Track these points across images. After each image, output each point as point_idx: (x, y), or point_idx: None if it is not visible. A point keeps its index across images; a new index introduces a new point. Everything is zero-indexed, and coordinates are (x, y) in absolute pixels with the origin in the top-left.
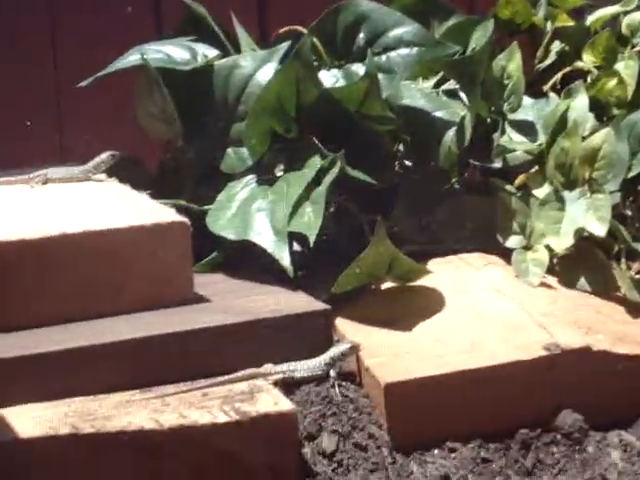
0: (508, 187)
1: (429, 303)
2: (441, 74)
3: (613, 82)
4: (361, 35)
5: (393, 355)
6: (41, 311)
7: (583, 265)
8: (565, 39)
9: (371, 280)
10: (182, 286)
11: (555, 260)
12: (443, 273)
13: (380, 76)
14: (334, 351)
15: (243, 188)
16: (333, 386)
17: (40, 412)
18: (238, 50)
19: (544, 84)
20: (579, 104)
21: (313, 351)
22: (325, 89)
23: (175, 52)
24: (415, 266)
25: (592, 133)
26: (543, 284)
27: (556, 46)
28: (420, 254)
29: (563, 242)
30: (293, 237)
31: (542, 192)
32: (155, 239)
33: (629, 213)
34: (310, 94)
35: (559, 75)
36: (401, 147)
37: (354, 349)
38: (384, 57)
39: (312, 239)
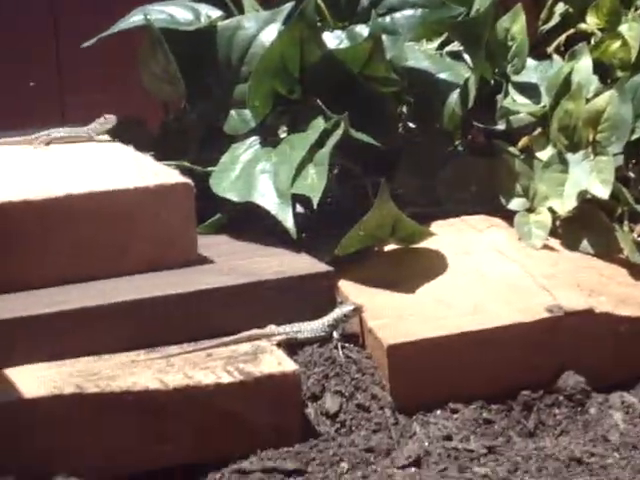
0: (511, 149)
1: (432, 265)
2: (445, 36)
3: (617, 44)
4: None
5: (396, 317)
6: (45, 272)
7: (586, 227)
8: (569, 1)
9: (374, 242)
10: (186, 247)
11: (558, 222)
12: (446, 235)
13: (384, 37)
14: (337, 313)
15: (246, 150)
16: (336, 347)
17: (44, 372)
18: (241, 11)
19: (548, 46)
20: (583, 66)
21: (316, 313)
22: (329, 50)
23: (178, 13)
24: (418, 228)
25: (596, 95)
26: (546, 246)
27: (560, 8)
28: (423, 216)
29: (566, 204)
30: (296, 199)
31: (545, 154)
32: (159, 200)
33: (632, 175)
34: (314, 55)
35: (563, 37)
36: (405, 109)
37: (357, 311)
38: (388, 18)
39: (315, 201)
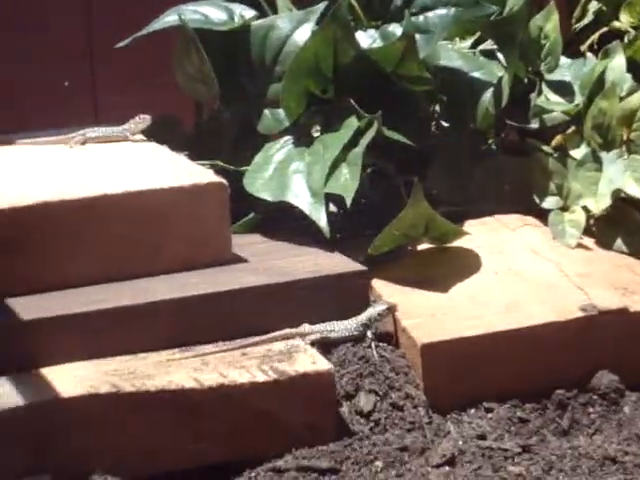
0: (545, 148)
1: (466, 264)
2: (478, 34)
3: None
4: None
5: (429, 316)
6: (81, 271)
7: (620, 226)
8: None
9: (408, 241)
10: (220, 247)
11: (592, 221)
12: (479, 234)
13: (417, 36)
14: (371, 312)
15: (280, 149)
16: (370, 346)
17: (81, 371)
18: (275, 10)
19: (581, 44)
20: (616, 64)
21: (350, 312)
22: (362, 50)
23: (212, 12)
24: (452, 227)
25: (630, 94)
26: (580, 245)
27: (593, 6)
28: (457, 215)
29: (600, 203)
30: (330, 198)
31: (579, 153)
32: (193, 200)
33: None
34: (347, 55)
35: (596, 35)
36: (438, 108)
37: (390, 310)
38: (421, 17)
39: (349, 200)
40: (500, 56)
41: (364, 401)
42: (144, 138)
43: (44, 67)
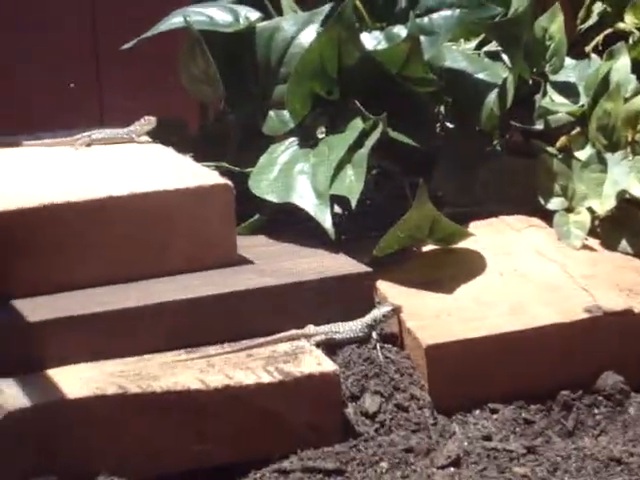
0: (550, 149)
1: (470, 265)
2: (483, 36)
3: None
4: None
5: (434, 317)
6: (87, 272)
7: (625, 227)
8: (607, 0)
9: (413, 243)
10: (225, 248)
11: (597, 222)
12: (484, 235)
13: (422, 38)
14: (376, 313)
15: (285, 151)
16: (375, 348)
17: (87, 373)
18: (280, 12)
19: (586, 45)
20: (621, 66)
21: (355, 313)
22: (367, 51)
23: (217, 14)
24: (457, 229)
25: (634, 95)
26: (585, 246)
27: (598, 7)
28: (462, 216)
29: (605, 204)
30: (335, 200)
31: (584, 154)
32: (199, 201)
33: None
34: (352, 56)
35: (601, 36)
36: (442, 109)
37: (395, 311)
38: (426, 19)
39: (354, 202)
40: (505, 57)
41: (369, 402)
42: (149, 140)
43: (49, 68)
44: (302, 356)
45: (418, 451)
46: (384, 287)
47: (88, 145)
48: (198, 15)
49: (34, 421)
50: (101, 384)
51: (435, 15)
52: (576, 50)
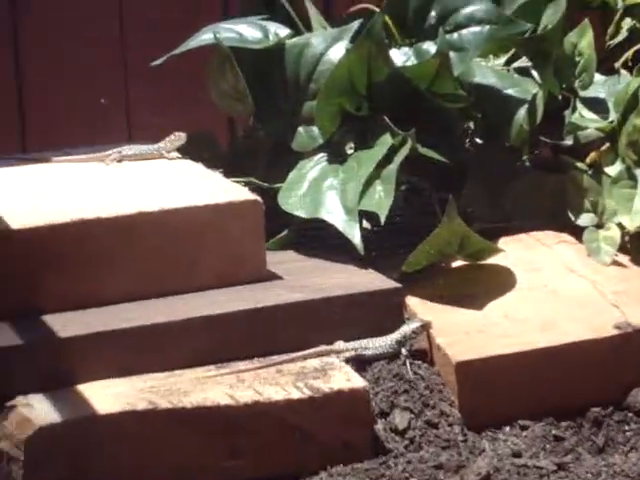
0: (579, 164)
1: (500, 281)
2: (512, 51)
3: None
4: (432, 13)
5: (464, 333)
6: (117, 288)
7: None
8: (636, 16)
9: (442, 258)
10: (255, 264)
11: (627, 238)
12: (514, 251)
13: (451, 54)
14: (405, 329)
15: (314, 166)
16: (404, 364)
17: (117, 388)
18: (309, 28)
19: (615, 61)
20: None
21: (384, 329)
22: (396, 67)
23: (247, 31)
24: (486, 244)
25: None
26: (615, 262)
27: (627, 23)
28: (491, 232)
29: (635, 220)
30: (364, 216)
31: (614, 170)
32: (229, 217)
33: None
34: (381, 72)
35: (630, 52)
36: (472, 125)
37: (425, 327)
38: (455, 35)
39: (383, 218)
40: (534, 73)
41: (399, 418)
42: (179, 156)
43: (78, 83)
44: (331, 372)
45: (448, 468)
46: (413, 303)
47: (119, 161)
48: (228, 32)
49: (64, 436)
50: (131, 399)
51: (464, 31)
52: (605, 66)
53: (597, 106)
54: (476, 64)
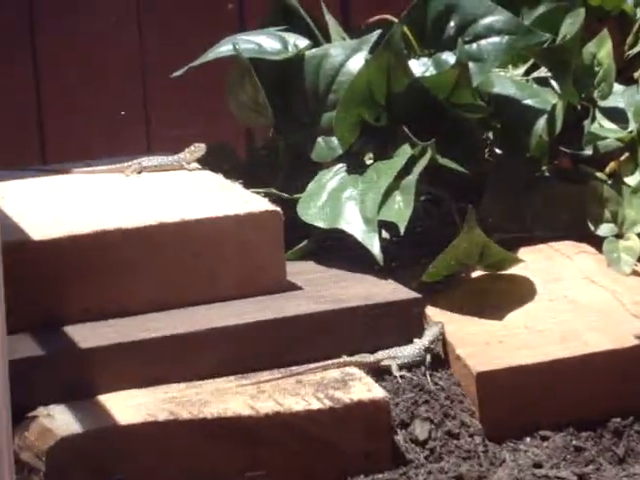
0: (599, 174)
1: (520, 292)
2: (531, 62)
3: None
4: (451, 24)
5: (484, 344)
6: (138, 299)
7: None
8: None
9: (462, 269)
10: (275, 274)
11: None
12: (534, 262)
13: (470, 64)
14: (433, 331)
15: (333, 177)
16: (425, 374)
17: (138, 399)
18: (328, 39)
19: (634, 71)
20: None
21: (405, 339)
22: (415, 78)
23: (266, 42)
24: (506, 255)
25: None
26: (635, 273)
27: None
28: (511, 242)
29: None
30: (383, 226)
31: (634, 180)
32: (249, 228)
33: None
34: (400, 83)
35: None
36: (491, 135)
37: (441, 327)
38: (475, 45)
39: (402, 228)
40: (554, 83)
41: (419, 429)
42: (199, 166)
43: (98, 95)
44: (352, 382)
45: (468, 478)
46: (433, 313)
47: (139, 172)
48: (247, 43)
49: (85, 447)
50: (152, 410)
51: (484, 41)
52: (624, 76)
53: (616, 116)
54: (495, 74)
